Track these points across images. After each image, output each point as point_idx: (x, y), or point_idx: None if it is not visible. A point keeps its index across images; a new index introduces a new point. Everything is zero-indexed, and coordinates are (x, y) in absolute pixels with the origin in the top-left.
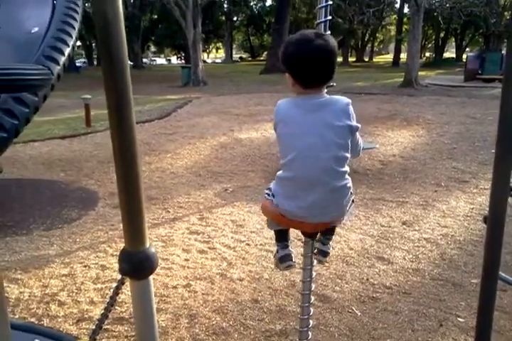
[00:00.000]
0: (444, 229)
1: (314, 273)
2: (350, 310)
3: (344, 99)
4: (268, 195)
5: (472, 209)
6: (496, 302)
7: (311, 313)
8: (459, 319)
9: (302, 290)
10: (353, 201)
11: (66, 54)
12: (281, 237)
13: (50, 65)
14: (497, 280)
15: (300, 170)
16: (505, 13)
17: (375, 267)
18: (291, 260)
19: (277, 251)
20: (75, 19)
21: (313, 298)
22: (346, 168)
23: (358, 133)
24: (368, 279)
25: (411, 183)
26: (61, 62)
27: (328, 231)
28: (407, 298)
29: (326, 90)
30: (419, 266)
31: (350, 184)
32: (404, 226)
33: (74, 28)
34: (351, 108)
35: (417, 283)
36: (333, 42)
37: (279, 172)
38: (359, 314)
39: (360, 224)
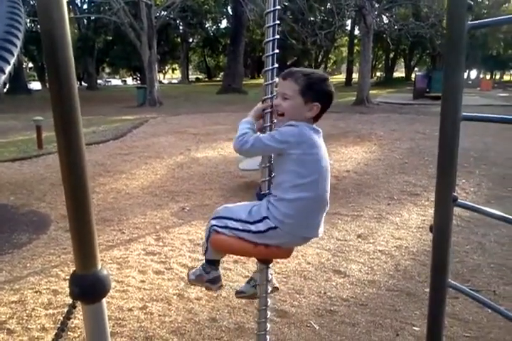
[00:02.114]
0: (397, 240)
1: (270, 289)
2: (308, 324)
3: None
4: (225, 227)
5: (424, 220)
6: (448, 309)
7: (268, 329)
8: (414, 328)
9: (258, 306)
10: None
11: (7, 72)
12: (217, 261)
13: None
14: (445, 288)
15: (321, 190)
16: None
17: (332, 280)
18: (221, 280)
19: (207, 273)
20: (16, 37)
21: (270, 313)
22: None
23: None
24: (325, 293)
25: (365, 197)
26: (1, 81)
27: None
28: (364, 310)
29: None
30: (375, 277)
31: None
32: (360, 240)
33: (15, 45)
34: None
35: (373, 295)
36: None
37: (291, 194)
38: (317, 328)
39: (316, 238)
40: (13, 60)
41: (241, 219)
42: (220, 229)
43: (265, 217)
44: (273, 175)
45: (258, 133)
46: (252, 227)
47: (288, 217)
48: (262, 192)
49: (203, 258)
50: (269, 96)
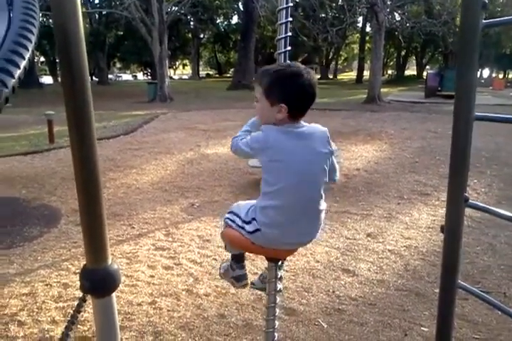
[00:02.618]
0: (407, 240)
1: (280, 287)
2: (316, 323)
3: (321, 127)
4: (233, 221)
5: (434, 220)
6: (457, 310)
7: (277, 326)
8: (422, 328)
9: (267, 303)
10: None
11: (22, 67)
12: (240, 258)
13: (4, 78)
14: (455, 289)
15: (292, 198)
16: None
17: (341, 279)
18: (247, 279)
19: (233, 270)
20: (31, 32)
21: (278, 310)
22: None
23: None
24: (333, 291)
25: (375, 196)
26: (16, 75)
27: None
28: (372, 309)
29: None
30: (384, 277)
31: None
32: (369, 239)
33: (30, 41)
34: (328, 134)
35: (382, 294)
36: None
37: (263, 201)
38: (325, 326)
39: (326, 236)
40: (27, 55)
41: (241, 217)
42: (230, 223)
43: (253, 219)
44: None
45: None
46: (246, 227)
47: (264, 224)
48: None
49: (230, 256)
50: None
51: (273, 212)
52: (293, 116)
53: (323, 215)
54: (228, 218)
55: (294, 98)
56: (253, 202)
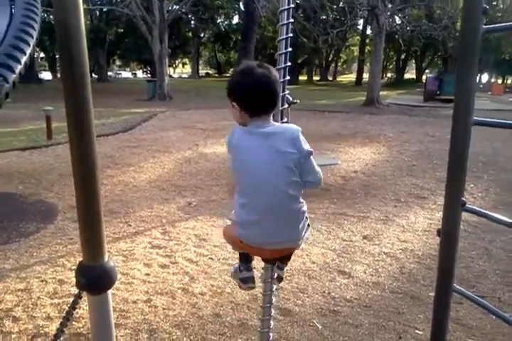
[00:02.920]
0: (403, 243)
1: (275, 287)
2: (311, 324)
3: (294, 127)
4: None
5: (430, 224)
6: (452, 314)
7: (272, 326)
8: (417, 331)
9: (263, 303)
10: (308, 225)
11: (23, 62)
12: (246, 259)
13: (5, 73)
14: (451, 292)
15: (255, 196)
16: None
17: (337, 281)
18: (253, 282)
19: (240, 271)
20: (33, 28)
21: (274, 311)
22: (299, 193)
23: (312, 159)
24: (329, 293)
25: (372, 199)
26: (17, 71)
27: (287, 256)
28: (367, 311)
29: (272, 119)
30: (379, 279)
31: (304, 208)
32: (365, 241)
33: (32, 36)
34: (301, 135)
35: (377, 297)
36: (274, 71)
37: (236, 200)
38: (320, 327)
39: (322, 238)
40: (29, 51)
41: (235, 212)
42: (230, 217)
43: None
44: None
45: None
46: (235, 223)
47: (237, 223)
48: None
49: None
50: (281, 94)
51: (241, 211)
52: (252, 114)
53: (298, 215)
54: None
55: (242, 95)
56: None
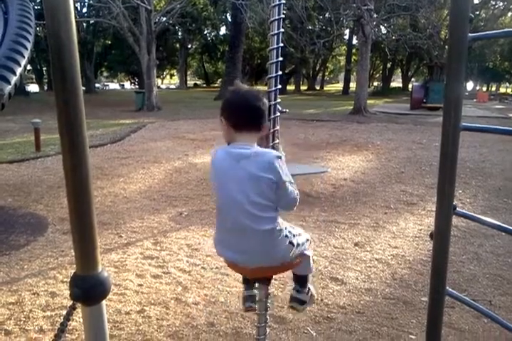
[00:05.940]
0: (394, 249)
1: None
2: (305, 331)
3: (272, 153)
4: None
5: (420, 230)
6: (444, 318)
7: (267, 333)
8: (410, 336)
9: (258, 310)
10: (292, 244)
11: (18, 74)
12: (244, 278)
13: (1, 85)
14: (444, 295)
15: (224, 216)
16: (447, 46)
17: (329, 288)
18: (253, 302)
19: (244, 289)
20: (27, 39)
21: (269, 318)
22: (272, 214)
23: (290, 187)
24: (322, 300)
25: (362, 206)
26: (12, 82)
27: (297, 279)
28: (361, 317)
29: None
30: (372, 285)
31: (282, 232)
32: (357, 248)
33: (26, 48)
34: (279, 162)
35: (370, 303)
36: (263, 95)
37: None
38: (314, 334)
39: (314, 245)
40: (23, 62)
41: None
42: None
43: None
44: None
45: None
46: None
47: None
48: None
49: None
50: (272, 103)
51: (216, 229)
52: (236, 129)
53: (270, 235)
54: None
55: (227, 107)
56: None
